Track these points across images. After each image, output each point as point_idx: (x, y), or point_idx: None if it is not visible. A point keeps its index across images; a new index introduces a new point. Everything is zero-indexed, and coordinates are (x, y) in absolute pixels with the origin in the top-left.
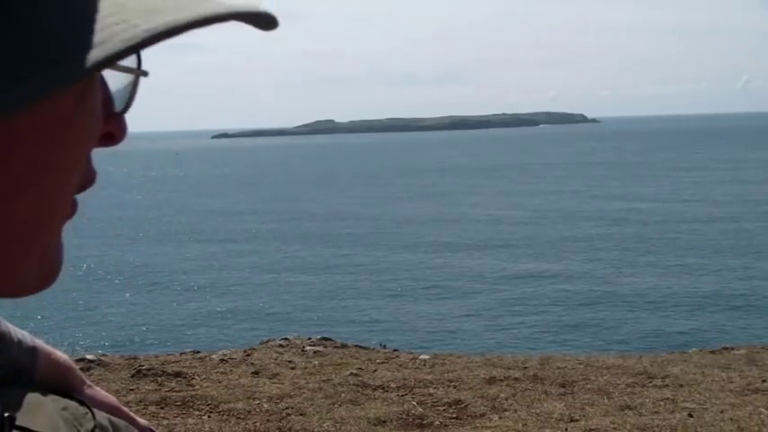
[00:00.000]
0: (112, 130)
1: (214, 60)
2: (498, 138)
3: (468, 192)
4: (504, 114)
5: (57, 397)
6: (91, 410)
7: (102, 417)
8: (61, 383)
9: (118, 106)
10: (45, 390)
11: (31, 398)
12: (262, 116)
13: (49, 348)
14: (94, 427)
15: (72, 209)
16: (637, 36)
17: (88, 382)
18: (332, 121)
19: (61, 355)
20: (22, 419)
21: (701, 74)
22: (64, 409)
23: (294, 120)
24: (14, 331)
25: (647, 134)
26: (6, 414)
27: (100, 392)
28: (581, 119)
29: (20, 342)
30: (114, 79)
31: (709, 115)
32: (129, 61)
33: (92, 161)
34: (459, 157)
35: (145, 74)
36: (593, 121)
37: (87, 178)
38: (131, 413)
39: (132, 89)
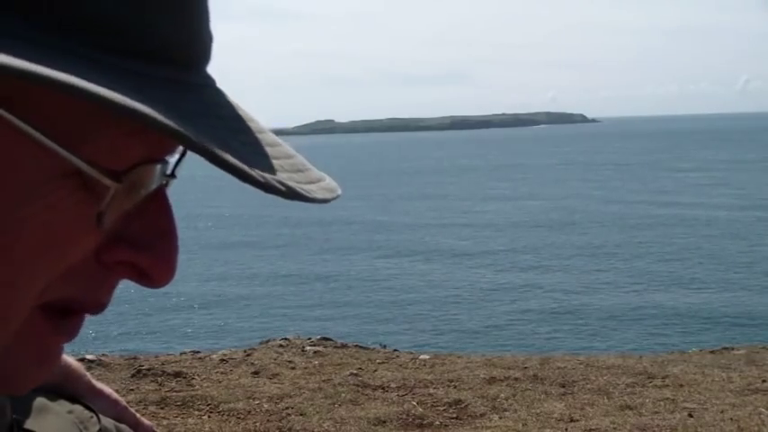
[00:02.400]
0: (139, 262)
1: (213, 60)
2: (498, 138)
3: (468, 192)
4: (504, 114)
5: (63, 401)
6: (96, 414)
7: (107, 421)
8: (69, 388)
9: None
10: (53, 394)
11: (39, 402)
12: (261, 116)
13: None
14: (99, 430)
15: (49, 324)
16: (637, 36)
17: (97, 387)
18: (332, 121)
19: (71, 360)
20: (29, 423)
21: (700, 74)
22: (69, 412)
23: (294, 120)
24: None
25: (648, 134)
26: (14, 416)
27: (107, 397)
28: (581, 119)
29: None
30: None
31: (709, 115)
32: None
33: (102, 287)
34: (459, 158)
35: (172, 177)
36: (594, 121)
37: (80, 299)
38: (138, 415)
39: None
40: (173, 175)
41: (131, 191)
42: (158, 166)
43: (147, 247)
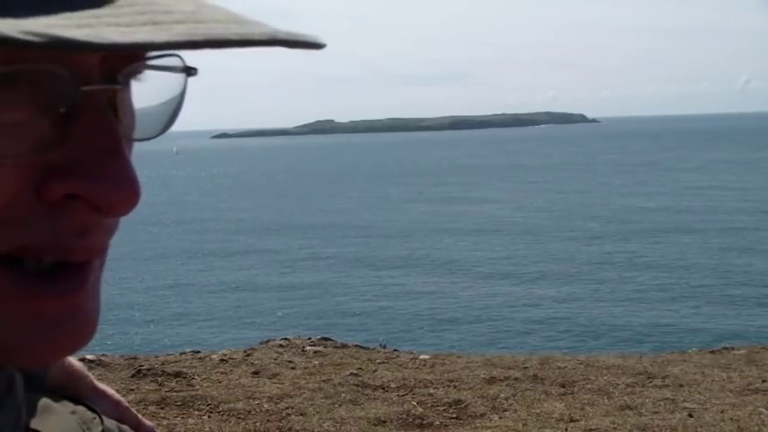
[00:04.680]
0: (78, 190)
1: (213, 60)
2: (498, 138)
3: (468, 192)
4: (504, 114)
5: (67, 402)
6: (99, 415)
7: (110, 422)
8: (72, 389)
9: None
10: (56, 395)
11: (43, 402)
12: (262, 116)
13: None
14: (102, 431)
15: None
16: (637, 36)
17: (100, 388)
18: (332, 121)
19: (74, 361)
20: (34, 422)
21: (701, 74)
22: (73, 413)
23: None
24: None
25: (648, 134)
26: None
27: (109, 398)
28: (581, 119)
29: None
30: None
31: (709, 115)
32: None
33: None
34: (459, 158)
35: (109, 85)
36: (594, 121)
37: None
38: (139, 416)
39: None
40: (112, 85)
41: (25, 102)
42: (61, 71)
43: (81, 171)
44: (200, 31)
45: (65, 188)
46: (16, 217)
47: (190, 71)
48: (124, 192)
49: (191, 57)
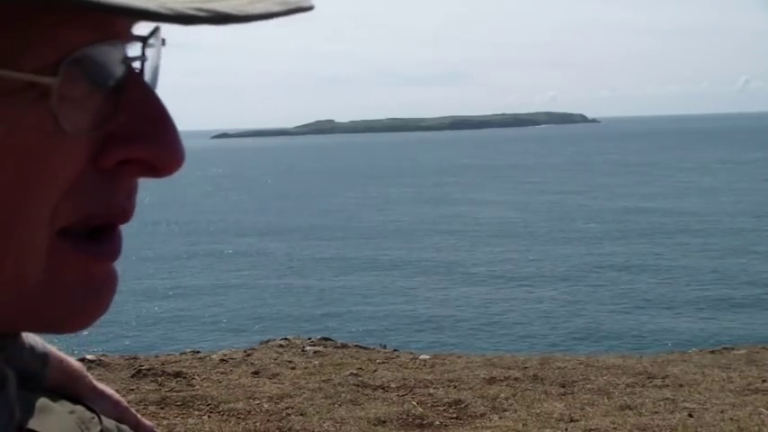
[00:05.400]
0: (139, 155)
1: (214, 60)
2: (498, 138)
3: (469, 192)
4: (504, 114)
5: (65, 401)
6: (98, 415)
7: (109, 422)
8: (71, 389)
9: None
10: (55, 395)
11: (41, 402)
12: (262, 116)
13: (61, 355)
14: (101, 431)
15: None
16: (637, 36)
17: (99, 388)
18: (332, 121)
19: (72, 361)
20: (32, 423)
21: (701, 74)
22: (71, 412)
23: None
24: (26, 336)
25: (648, 134)
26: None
27: (108, 398)
28: (581, 119)
29: (32, 347)
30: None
31: (709, 115)
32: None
33: (108, 192)
34: (460, 158)
35: (142, 59)
36: (594, 121)
37: (88, 210)
38: (139, 416)
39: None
40: (143, 57)
41: (83, 81)
42: (108, 48)
43: (141, 137)
44: (249, 9)
45: (125, 154)
46: (80, 188)
47: (164, 42)
48: (179, 152)
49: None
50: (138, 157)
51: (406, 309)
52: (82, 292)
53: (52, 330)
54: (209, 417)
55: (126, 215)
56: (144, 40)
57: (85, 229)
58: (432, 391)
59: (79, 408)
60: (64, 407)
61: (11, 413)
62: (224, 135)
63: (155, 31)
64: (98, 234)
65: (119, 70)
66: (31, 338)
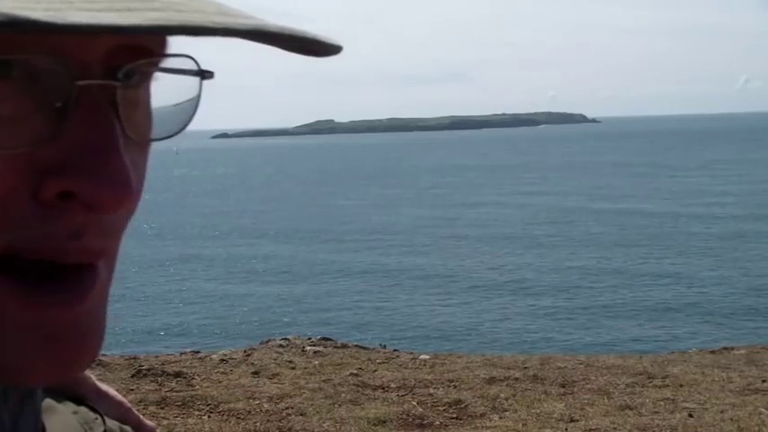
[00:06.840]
0: (73, 188)
1: (215, 61)
2: (498, 138)
3: (469, 192)
4: (504, 114)
5: (69, 402)
6: (101, 416)
7: (112, 422)
8: (74, 390)
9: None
10: (58, 395)
11: (45, 403)
12: (262, 116)
13: None
14: (104, 431)
15: None
16: (637, 36)
17: (101, 388)
18: (332, 121)
19: None
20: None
21: (701, 74)
22: (75, 413)
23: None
24: None
25: (648, 134)
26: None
27: (111, 399)
28: (581, 119)
29: None
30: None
31: (709, 115)
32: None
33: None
34: (460, 158)
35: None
36: (594, 121)
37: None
38: (141, 416)
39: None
40: (109, 80)
41: (16, 92)
42: (50, 63)
43: (72, 168)
44: (178, 18)
45: (58, 185)
46: (8, 215)
47: (204, 74)
48: (113, 188)
49: (205, 59)
50: (74, 190)
51: (406, 309)
52: (30, 344)
53: (9, 383)
54: (209, 417)
55: (66, 254)
56: (117, 67)
57: (33, 270)
58: (432, 391)
59: (83, 408)
60: (67, 407)
61: (37, 419)
62: (224, 135)
63: (140, 57)
64: (57, 277)
65: (66, 90)
66: None
